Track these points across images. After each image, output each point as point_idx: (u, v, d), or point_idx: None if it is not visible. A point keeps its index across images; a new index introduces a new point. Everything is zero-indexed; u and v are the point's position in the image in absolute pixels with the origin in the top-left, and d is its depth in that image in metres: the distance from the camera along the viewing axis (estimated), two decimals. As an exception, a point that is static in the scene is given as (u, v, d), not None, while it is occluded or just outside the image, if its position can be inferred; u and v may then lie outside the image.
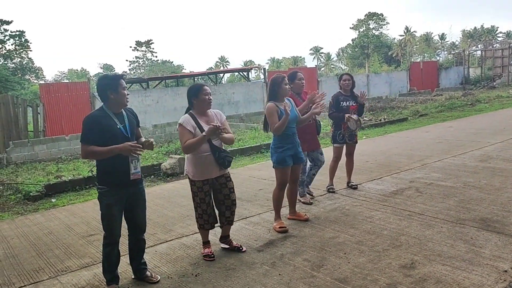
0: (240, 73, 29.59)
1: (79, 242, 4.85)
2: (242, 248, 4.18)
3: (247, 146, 10.39)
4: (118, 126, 3.40)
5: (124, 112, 3.53)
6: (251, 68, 30.58)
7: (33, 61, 50.05)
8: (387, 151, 8.99)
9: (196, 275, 3.73)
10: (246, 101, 21.82)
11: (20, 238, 5.14)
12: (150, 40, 75.98)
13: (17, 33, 45.03)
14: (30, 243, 4.94)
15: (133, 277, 3.75)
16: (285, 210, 5.05)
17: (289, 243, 4.31)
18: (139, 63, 76.31)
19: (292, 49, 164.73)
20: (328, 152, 6.13)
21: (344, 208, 5.28)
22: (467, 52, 35.96)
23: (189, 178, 4.02)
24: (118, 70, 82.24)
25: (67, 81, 60.07)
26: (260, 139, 11.54)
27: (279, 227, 4.63)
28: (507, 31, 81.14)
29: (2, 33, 44.41)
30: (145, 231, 3.74)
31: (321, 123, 5.84)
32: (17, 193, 7.60)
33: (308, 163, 5.64)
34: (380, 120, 14.55)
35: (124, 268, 3.87)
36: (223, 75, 42.84)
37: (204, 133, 3.74)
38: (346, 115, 5.75)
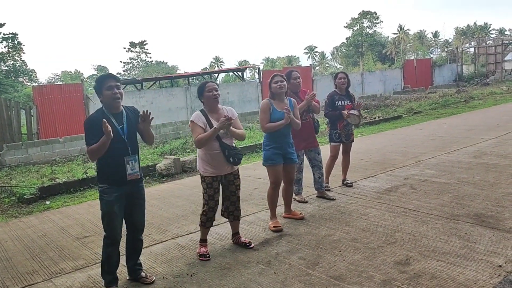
0: (235, 73, 29.56)
1: (73, 244, 4.82)
2: (250, 244, 4.22)
3: (242, 146, 10.37)
4: (115, 127, 3.38)
5: (124, 111, 3.50)
6: (246, 68, 30.63)
7: (26, 64, 49.63)
8: (382, 148, 9.02)
9: (191, 275, 3.72)
10: (241, 101, 21.81)
11: (14, 241, 5.10)
12: (144, 41, 75.72)
13: (10, 35, 44.71)
14: (24, 245, 4.91)
15: (128, 278, 3.73)
16: (280, 209, 5.05)
17: (285, 241, 4.31)
18: (133, 64, 75.98)
19: (287, 48, 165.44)
20: (324, 150, 6.13)
21: (339, 206, 5.29)
22: (461, 49, 36.18)
23: (200, 174, 4.15)
24: (112, 71, 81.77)
25: (61, 83, 59.69)
26: (255, 139, 11.53)
27: (274, 226, 4.63)
28: (499, 28, 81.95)
29: (-6, 35, 44.09)
30: (143, 231, 3.73)
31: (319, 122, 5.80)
32: (11, 196, 7.54)
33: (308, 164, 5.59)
34: (375, 118, 14.62)
35: (119, 269, 3.84)
36: (218, 75, 42.76)
37: (215, 126, 3.86)
38: (346, 112, 5.74)
